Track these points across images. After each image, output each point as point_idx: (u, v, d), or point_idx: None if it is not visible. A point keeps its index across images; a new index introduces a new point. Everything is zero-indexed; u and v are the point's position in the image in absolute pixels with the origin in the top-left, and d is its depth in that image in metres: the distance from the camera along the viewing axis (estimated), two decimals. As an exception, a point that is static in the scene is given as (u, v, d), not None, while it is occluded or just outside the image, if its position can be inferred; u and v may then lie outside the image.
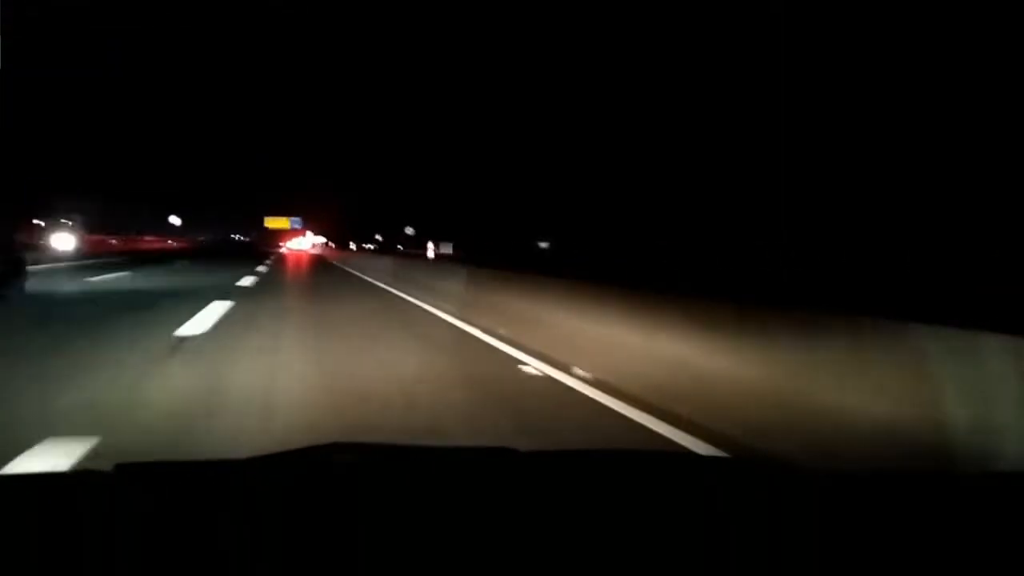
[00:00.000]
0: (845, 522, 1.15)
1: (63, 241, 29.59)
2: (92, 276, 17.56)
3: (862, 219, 17.59)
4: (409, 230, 53.16)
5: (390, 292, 14.97)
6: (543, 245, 38.24)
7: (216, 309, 10.12)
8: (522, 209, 38.88)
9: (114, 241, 43.42)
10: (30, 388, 5.00)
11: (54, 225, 31.53)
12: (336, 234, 74.65)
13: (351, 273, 23.56)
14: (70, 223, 32.56)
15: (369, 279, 19.32)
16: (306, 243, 67.32)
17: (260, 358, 6.40)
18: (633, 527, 1.10)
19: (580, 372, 5.87)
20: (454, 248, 48.01)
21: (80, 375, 5.42)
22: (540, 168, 36.21)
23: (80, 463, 3.39)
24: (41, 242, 27.13)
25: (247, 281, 17.75)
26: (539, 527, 1.10)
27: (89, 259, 26.35)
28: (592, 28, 28.52)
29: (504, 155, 40.58)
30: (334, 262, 34.87)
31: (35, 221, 30.31)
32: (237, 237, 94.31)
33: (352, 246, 64.28)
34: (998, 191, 14.21)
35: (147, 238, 58.33)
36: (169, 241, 66.80)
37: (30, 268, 13.48)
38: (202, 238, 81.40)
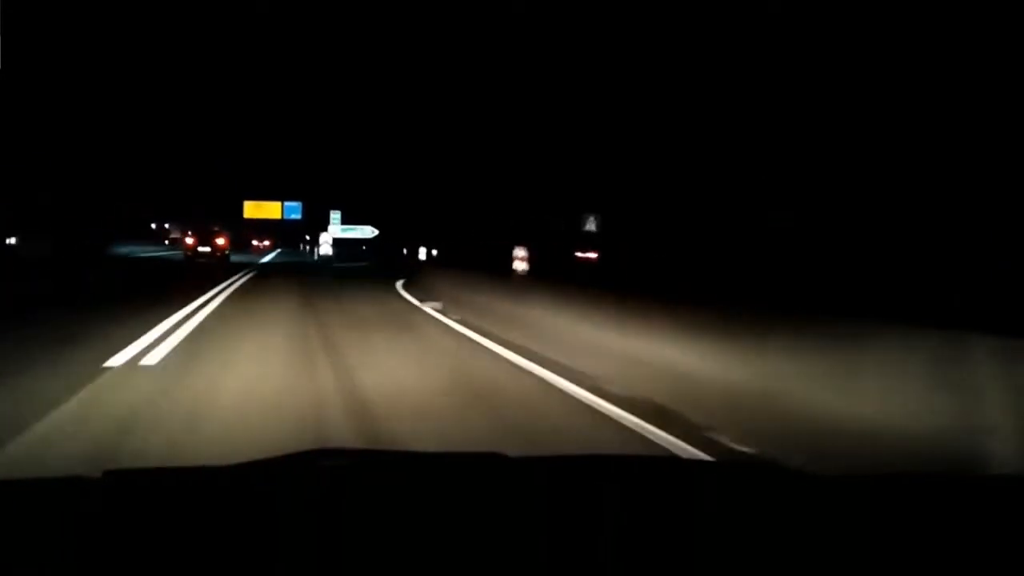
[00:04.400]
0: (834, 524, 1.16)
1: None
2: None
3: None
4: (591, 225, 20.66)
5: None
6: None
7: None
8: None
9: None
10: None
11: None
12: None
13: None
14: None
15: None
16: (325, 247, 34.84)
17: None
18: (623, 531, 1.10)
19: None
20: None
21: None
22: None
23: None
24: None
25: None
26: (528, 531, 1.09)
27: None
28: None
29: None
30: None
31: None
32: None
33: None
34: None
35: None
36: None
37: None
38: None
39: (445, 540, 1.04)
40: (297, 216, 43.87)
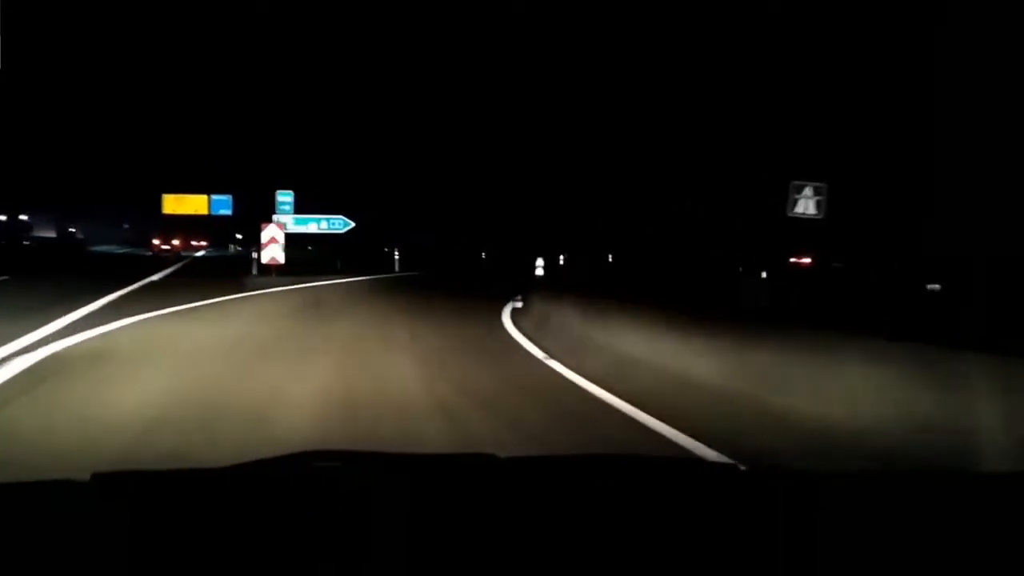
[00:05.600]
0: (854, 527, 1.14)
1: None
2: None
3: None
4: (807, 204, 9.68)
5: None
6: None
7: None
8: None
9: None
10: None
11: None
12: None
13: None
14: None
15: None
16: (273, 249, 23.99)
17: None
18: (613, 531, 1.09)
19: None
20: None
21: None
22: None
23: None
24: None
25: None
26: (520, 532, 1.09)
27: None
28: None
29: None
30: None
31: None
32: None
33: None
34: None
35: None
36: None
37: None
38: None
39: (435, 541, 1.04)
40: (227, 211, 34.60)
